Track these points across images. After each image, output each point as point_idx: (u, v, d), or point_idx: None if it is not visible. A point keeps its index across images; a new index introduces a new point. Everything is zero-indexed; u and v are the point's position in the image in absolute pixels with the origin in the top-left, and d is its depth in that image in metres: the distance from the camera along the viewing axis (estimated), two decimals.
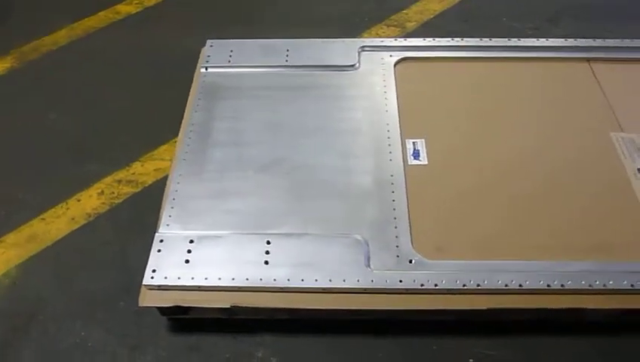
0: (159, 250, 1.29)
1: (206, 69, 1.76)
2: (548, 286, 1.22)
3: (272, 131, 1.59)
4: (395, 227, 1.34)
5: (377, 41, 1.83)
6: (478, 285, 1.23)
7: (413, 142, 1.54)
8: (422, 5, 2.28)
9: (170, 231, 1.34)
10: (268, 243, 1.30)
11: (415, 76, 1.74)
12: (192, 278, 1.24)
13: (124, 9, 2.31)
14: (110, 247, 1.50)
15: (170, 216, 1.37)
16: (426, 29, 2.13)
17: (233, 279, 1.24)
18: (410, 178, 1.45)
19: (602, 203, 1.40)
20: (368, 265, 1.26)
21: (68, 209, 1.59)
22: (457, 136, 1.57)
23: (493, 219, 1.37)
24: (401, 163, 1.48)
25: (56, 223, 1.55)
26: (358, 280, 1.23)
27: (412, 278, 1.24)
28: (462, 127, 1.60)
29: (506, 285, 1.22)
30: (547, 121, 1.61)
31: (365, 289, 1.23)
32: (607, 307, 1.21)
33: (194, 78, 1.75)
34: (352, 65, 1.75)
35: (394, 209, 1.38)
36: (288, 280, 1.24)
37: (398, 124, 1.58)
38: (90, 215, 1.57)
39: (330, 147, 1.54)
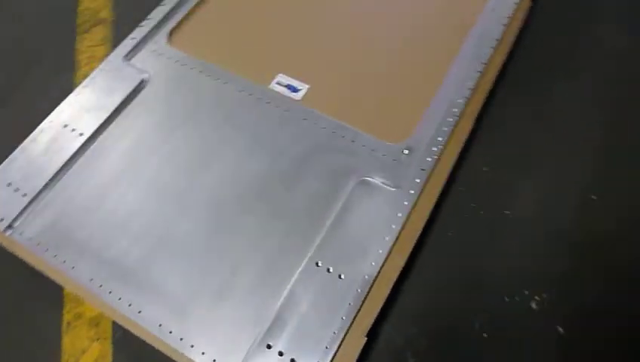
0: None
1: (10, 227, 1.22)
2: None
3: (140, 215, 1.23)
4: (363, 145, 1.28)
5: (129, 44, 1.50)
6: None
7: (277, 83, 1.41)
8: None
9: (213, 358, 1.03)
10: (317, 265, 1.12)
11: (200, 33, 1.53)
12: None
13: None
14: None
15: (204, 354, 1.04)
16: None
17: (343, 318, 1.05)
18: (318, 106, 1.36)
19: None
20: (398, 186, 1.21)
21: None
22: (296, 43, 1.49)
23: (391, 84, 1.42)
24: (301, 106, 1.36)
25: None
26: (412, 192, 1.20)
27: (428, 156, 1.25)
28: (289, 35, 1.52)
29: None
30: None
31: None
32: None
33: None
34: (143, 82, 1.43)
35: (343, 136, 1.30)
36: (372, 263, 1.11)
37: (251, 83, 1.41)
38: None
39: (228, 159, 1.29)
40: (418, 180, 1.21)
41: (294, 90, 1.40)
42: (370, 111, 1.35)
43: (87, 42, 1.73)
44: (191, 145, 1.31)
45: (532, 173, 1.34)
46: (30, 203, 1.24)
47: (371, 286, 1.09)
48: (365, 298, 1.08)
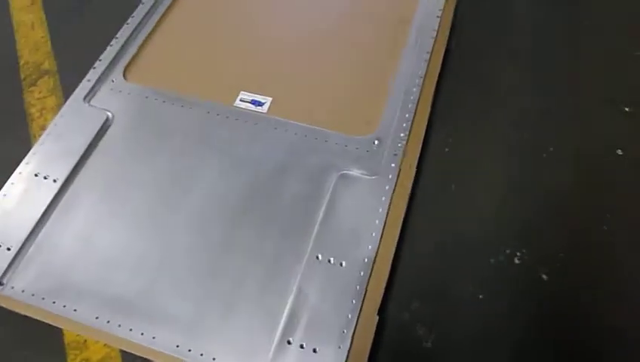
0: None
1: (0, 284, 1.19)
2: None
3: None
4: (336, 143, 1.36)
5: (86, 86, 1.51)
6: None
7: (241, 100, 1.47)
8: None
9: None
10: (318, 258, 1.17)
11: (155, 65, 1.56)
12: None
13: None
14: None
15: None
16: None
17: (353, 301, 1.11)
18: (285, 115, 1.42)
19: None
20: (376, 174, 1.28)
21: None
22: (250, 60, 1.56)
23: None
24: (268, 117, 1.42)
25: None
26: (390, 176, 1.27)
27: (398, 142, 1.35)
28: (242, 53, 1.58)
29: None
30: None
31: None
32: None
33: None
34: (107, 120, 1.44)
35: (315, 138, 1.37)
36: (369, 247, 1.18)
37: (216, 104, 1.45)
38: None
39: (205, 195, 1.31)
40: (393, 165, 1.30)
41: (259, 104, 1.46)
42: (335, 111, 1.43)
43: (36, 94, 1.71)
44: (168, 173, 1.34)
45: (488, 146, 1.46)
46: (16, 256, 1.21)
47: (372, 267, 1.15)
48: (369, 279, 1.13)
